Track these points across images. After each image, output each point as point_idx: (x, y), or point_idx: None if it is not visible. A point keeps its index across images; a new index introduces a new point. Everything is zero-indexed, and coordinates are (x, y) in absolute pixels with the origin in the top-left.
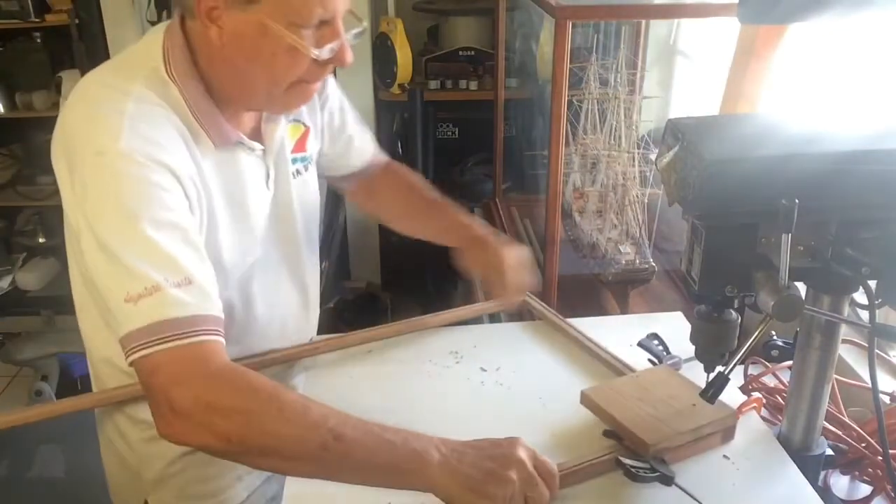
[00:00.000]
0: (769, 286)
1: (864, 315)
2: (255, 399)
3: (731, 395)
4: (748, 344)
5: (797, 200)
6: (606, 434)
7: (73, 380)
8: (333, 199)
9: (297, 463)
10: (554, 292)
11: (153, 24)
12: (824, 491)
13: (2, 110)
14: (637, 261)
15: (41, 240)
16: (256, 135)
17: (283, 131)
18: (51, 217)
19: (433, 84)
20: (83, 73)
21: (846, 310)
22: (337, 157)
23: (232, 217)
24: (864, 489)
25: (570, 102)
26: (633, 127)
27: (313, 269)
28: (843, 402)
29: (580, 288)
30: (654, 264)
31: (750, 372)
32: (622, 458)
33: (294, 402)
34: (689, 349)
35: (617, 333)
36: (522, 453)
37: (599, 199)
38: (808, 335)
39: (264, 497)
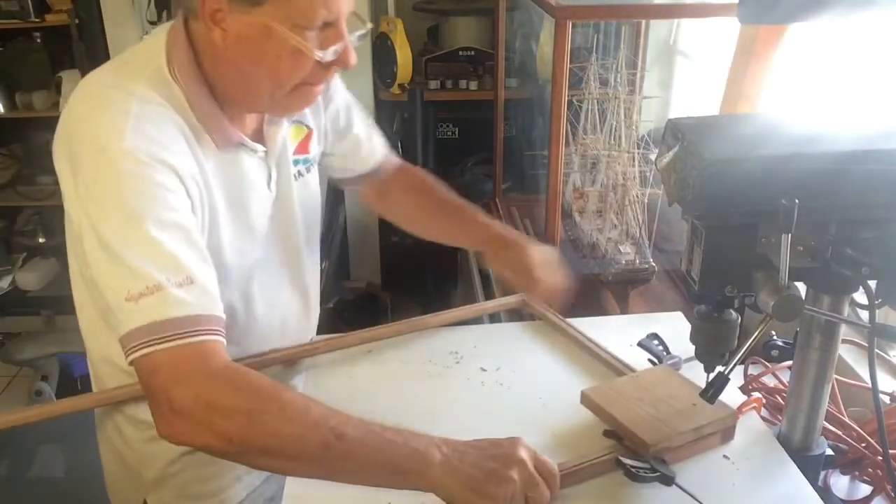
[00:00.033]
0: (769, 286)
1: (864, 315)
2: (256, 398)
3: (731, 395)
4: (748, 344)
5: (797, 200)
6: (606, 434)
7: (73, 380)
8: (333, 199)
9: (298, 463)
10: None
11: (153, 24)
12: (824, 491)
13: (2, 110)
14: (637, 261)
15: (41, 240)
16: (259, 136)
17: (285, 133)
18: (51, 217)
19: (433, 84)
20: (83, 73)
21: (846, 310)
22: (344, 157)
23: (233, 218)
24: (864, 489)
25: (570, 102)
26: (633, 127)
27: (314, 271)
28: (843, 402)
29: (580, 288)
30: (654, 264)
31: (750, 372)
32: (622, 458)
33: (295, 401)
34: (689, 349)
35: (617, 333)
36: (523, 453)
37: (599, 199)
38: (808, 335)
39: (263, 497)
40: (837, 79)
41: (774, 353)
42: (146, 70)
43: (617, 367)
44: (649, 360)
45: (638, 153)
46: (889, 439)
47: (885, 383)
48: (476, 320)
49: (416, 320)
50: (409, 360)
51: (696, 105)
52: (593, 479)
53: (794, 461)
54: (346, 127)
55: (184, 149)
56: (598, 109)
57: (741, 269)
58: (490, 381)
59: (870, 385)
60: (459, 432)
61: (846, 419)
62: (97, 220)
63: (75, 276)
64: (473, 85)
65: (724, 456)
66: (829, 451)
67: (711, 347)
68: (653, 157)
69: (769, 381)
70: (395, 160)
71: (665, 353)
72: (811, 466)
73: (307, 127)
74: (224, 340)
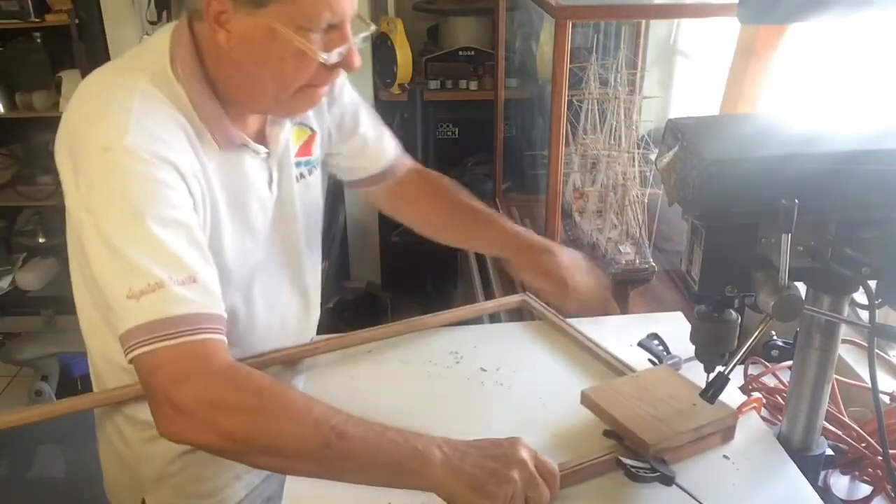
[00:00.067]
0: (769, 286)
1: (864, 315)
2: (258, 397)
3: (731, 395)
4: (748, 344)
5: (797, 200)
6: (606, 434)
7: (73, 380)
8: (333, 199)
9: (299, 461)
10: None
11: (153, 24)
12: (824, 491)
13: (2, 110)
14: (637, 261)
15: (41, 240)
16: (261, 137)
17: (287, 135)
18: (51, 217)
19: (433, 84)
20: (83, 73)
21: (846, 310)
22: (351, 157)
23: (234, 218)
24: (864, 489)
25: (570, 102)
26: (633, 127)
27: (314, 273)
28: (843, 402)
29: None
30: (654, 264)
31: (750, 372)
32: (622, 458)
33: (297, 400)
34: (689, 349)
35: (617, 333)
36: (524, 453)
37: (599, 199)
38: (808, 335)
39: (262, 497)
40: (837, 79)
41: (774, 353)
42: (149, 69)
43: (617, 367)
44: (649, 360)
45: (638, 153)
46: (889, 439)
47: (885, 383)
48: (476, 320)
49: (416, 320)
50: (409, 360)
51: (696, 105)
52: (593, 479)
53: (794, 461)
54: (352, 127)
55: (186, 147)
56: (598, 109)
57: (741, 269)
58: (490, 381)
59: (870, 385)
60: (459, 432)
61: (846, 419)
62: (99, 217)
63: (76, 274)
64: (473, 85)
65: (724, 456)
66: (829, 451)
67: (711, 347)
68: (653, 157)
69: (769, 381)
70: (409, 162)
71: (665, 353)
72: (811, 466)
73: (310, 129)
74: (225, 339)
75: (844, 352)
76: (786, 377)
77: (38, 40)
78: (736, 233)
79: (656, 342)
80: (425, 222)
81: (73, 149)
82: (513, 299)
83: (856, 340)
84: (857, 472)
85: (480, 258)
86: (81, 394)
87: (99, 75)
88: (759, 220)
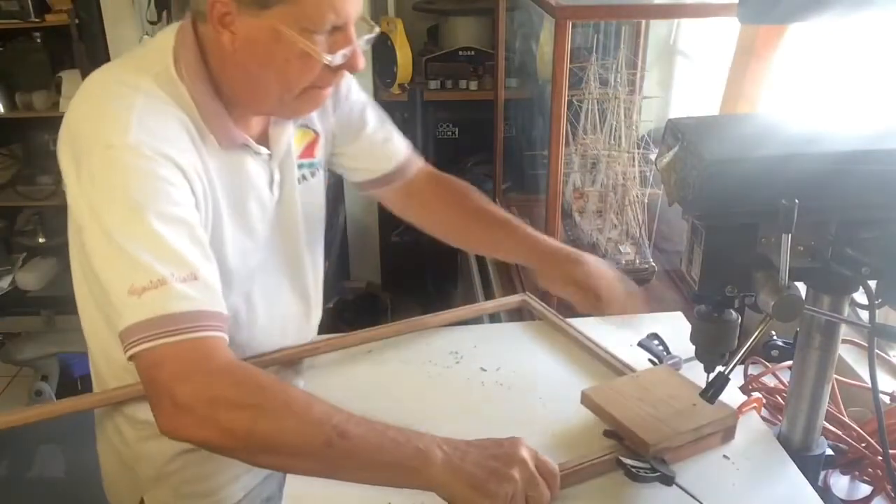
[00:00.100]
0: (769, 286)
1: (864, 315)
2: (260, 394)
3: (731, 395)
4: (748, 344)
5: (797, 200)
6: (607, 434)
7: (73, 380)
8: (333, 198)
9: (300, 460)
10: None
11: (153, 24)
12: (824, 491)
13: (2, 110)
14: (637, 261)
15: (41, 240)
16: (263, 139)
17: (290, 136)
18: (51, 217)
19: (433, 84)
20: (83, 73)
21: (846, 310)
22: (357, 158)
23: (234, 218)
24: (864, 489)
25: (570, 102)
26: (633, 127)
27: (316, 275)
28: (843, 402)
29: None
30: (654, 264)
31: (750, 372)
32: (623, 458)
33: (298, 398)
34: (689, 349)
35: (617, 333)
36: (524, 453)
37: (599, 199)
38: (808, 335)
39: (260, 497)
40: (837, 79)
41: (774, 353)
42: (153, 68)
43: (617, 367)
44: (649, 360)
45: (638, 153)
46: (889, 439)
47: (885, 383)
48: (476, 320)
49: (416, 320)
50: (409, 360)
51: (696, 105)
52: (593, 479)
53: (794, 461)
54: (358, 128)
55: (188, 146)
56: (598, 109)
57: (741, 269)
58: (490, 381)
59: (870, 385)
60: (459, 432)
61: (846, 419)
62: (101, 214)
63: (77, 273)
64: (473, 85)
65: (724, 456)
66: (829, 451)
67: (711, 347)
68: (653, 157)
69: (769, 381)
70: (421, 164)
71: (665, 353)
72: (811, 466)
73: (314, 131)
74: (227, 337)
75: (844, 352)
76: (786, 377)
77: (38, 40)
78: (736, 233)
79: (656, 342)
80: (441, 227)
81: (75, 146)
82: (513, 299)
83: (856, 340)
84: (857, 472)
85: (480, 258)
86: (81, 394)
87: (102, 74)
88: (759, 220)
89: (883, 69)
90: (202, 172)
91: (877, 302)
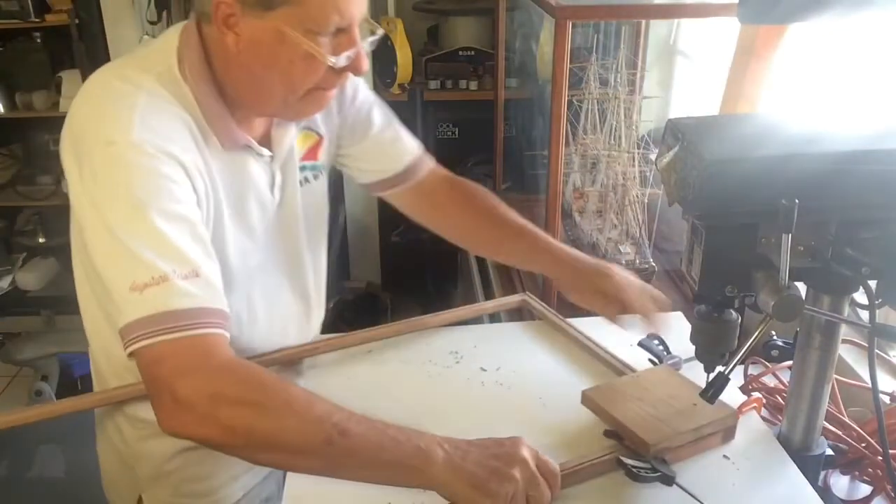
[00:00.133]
0: (769, 286)
1: (864, 315)
2: (261, 391)
3: (731, 395)
4: (748, 344)
5: (797, 200)
6: (607, 434)
7: (73, 380)
8: (333, 198)
9: (301, 458)
10: (554, 292)
11: (153, 24)
12: (824, 491)
13: (2, 110)
14: (637, 261)
15: (41, 240)
16: (266, 140)
17: (292, 139)
18: (51, 217)
19: (433, 84)
20: (83, 73)
21: (846, 310)
22: (364, 158)
23: (234, 219)
24: (864, 489)
25: (570, 102)
26: (633, 127)
27: (317, 277)
28: (843, 402)
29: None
30: (654, 264)
31: (750, 372)
32: (623, 458)
33: (299, 396)
34: (689, 349)
35: (617, 333)
36: (525, 452)
37: (599, 199)
38: (808, 335)
39: (259, 497)
40: (837, 79)
41: (774, 353)
42: (156, 68)
43: (617, 367)
44: (649, 360)
45: (638, 153)
46: (889, 439)
47: (885, 383)
48: (476, 320)
49: (416, 320)
50: (409, 360)
51: (696, 105)
52: (594, 479)
53: (794, 461)
54: (364, 128)
55: (190, 145)
56: (598, 109)
57: (741, 269)
58: (490, 381)
59: (870, 385)
60: (459, 432)
61: (846, 419)
62: (103, 210)
63: (79, 271)
64: (473, 85)
65: (725, 456)
66: (829, 451)
67: (711, 347)
68: (653, 157)
69: (769, 381)
70: (435, 167)
71: (665, 353)
72: (811, 466)
73: (317, 134)
74: (228, 334)
75: (844, 352)
76: (786, 377)
77: (38, 40)
78: (736, 233)
79: (656, 342)
80: (457, 231)
81: (77, 144)
82: (513, 299)
83: (856, 340)
84: (857, 472)
85: (480, 258)
86: (81, 394)
87: (105, 73)
88: (759, 220)
89: (883, 69)
90: (204, 171)
91: (877, 302)
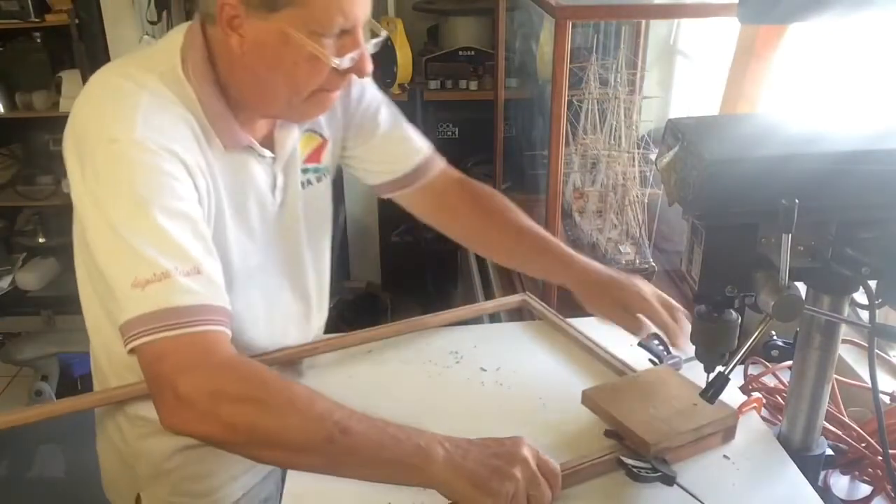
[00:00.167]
0: (769, 286)
1: (864, 315)
2: (263, 388)
3: (731, 395)
4: (748, 344)
5: (797, 200)
6: (607, 434)
7: (73, 380)
8: (333, 199)
9: (302, 455)
10: (554, 292)
11: (153, 24)
12: (824, 491)
13: (2, 110)
14: (637, 261)
15: (41, 240)
16: (269, 142)
17: (295, 141)
18: (51, 217)
19: (433, 84)
20: (83, 73)
21: (846, 310)
22: (372, 158)
23: (235, 219)
24: (864, 489)
25: (570, 102)
26: (633, 127)
27: (319, 279)
28: (843, 402)
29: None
30: (654, 264)
31: (750, 372)
32: (624, 458)
33: (301, 394)
34: (690, 349)
35: (617, 333)
36: (526, 452)
37: (599, 199)
38: (808, 335)
39: (258, 497)
40: (837, 79)
41: (774, 353)
42: (159, 67)
43: (617, 367)
44: (649, 360)
45: (638, 153)
46: (889, 439)
47: (885, 383)
48: (476, 320)
49: (416, 320)
50: (409, 360)
51: (696, 105)
52: (594, 479)
53: (794, 461)
54: (371, 129)
55: (192, 144)
56: (598, 109)
57: (741, 269)
58: (490, 381)
59: (870, 385)
60: (459, 432)
61: (846, 419)
62: (105, 207)
63: (80, 269)
64: (473, 85)
65: (725, 456)
66: (829, 451)
67: (711, 347)
68: (653, 157)
69: (769, 381)
70: (447, 168)
71: (665, 353)
72: (811, 466)
73: (321, 136)
74: (229, 332)
75: (844, 352)
76: (786, 377)
77: (38, 40)
78: (736, 233)
79: (656, 342)
80: (468, 235)
81: (80, 142)
82: (513, 299)
83: (856, 340)
84: (857, 472)
85: (480, 258)
86: (81, 394)
87: (108, 72)
88: (759, 220)
89: (883, 69)
90: (206, 170)
91: (877, 302)
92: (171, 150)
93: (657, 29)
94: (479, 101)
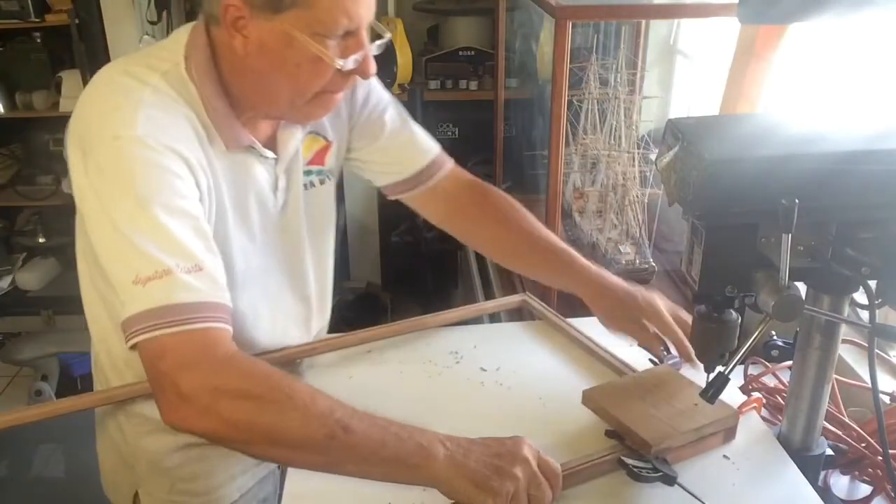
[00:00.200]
0: (769, 286)
1: (864, 315)
2: (264, 385)
3: (732, 395)
4: (748, 344)
5: (797, 200)
6: (608, 434)
7: (73, 380)
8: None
9: (303, 452)
10: (554, 292)
11: (153, 24)
12: (824, 491)
13: (2, 110)
14: (637, 261)
15: (41, 240)
16: (272, 143)
17: (298, 142)
18: (51, 217)
19: (433, 84)
20: (83, 73)
21: (846, 310)
22: (378, 160)
23: (236, 220)
24: (864, 489)
25: (570, 102)
26: (633, 127)
27: (321, 282)
28: (843, 402)
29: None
30: (654, 264)
31: (750, 372)
32: (625, 458)
33: (302, 391)
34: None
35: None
36: (527, 451)
37: (599, 199)
38: (808, 335)
39: (256, 498)
40: (837, 79)
41: (774, 353)
42: (163, 66)
43: (617, 367)
44: (650, 360)
45: (638, 153)
46: (889, 439)
47: (885, 383)
48: (476, 320)
49: (416, 320)
50: (409, 360)
51: (696, 105)
52: (595, 479)
53: (794, 461)
54: (378, 129)
55: (194, 143)
56: (598, 109)
57: (741, 269)
58: (490, 381)
59: (870, 385)
60: (459, 432)
61: (846, 419)
62: (107, 204)
63: (83, 266)
64: (473, 85)
65: (724, 456)
66: (829, 451)
67: (711, 347)
68: (653, 157)
69: (769, 381)
70: (457, 170)
71: (665, 353)
72: (811, 466)
73: (325, 139)
74: (231, 329)
75: (844, 352)
76: (786, 377)
77: (38, 40)
78: (736, 233)
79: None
80: (479, 240)
81: (83, 136)
82: (513, 299)
83: (856, 340)
84: (857, 472)
85: (480, 258)
86: (81, 393)
87: (112, 69)
88: (759, 220)
89: (883, 69)
90: (207, 168)
91: (877, 302)
92: (172, 147)
93: (657, 29)
94: (479, 101)
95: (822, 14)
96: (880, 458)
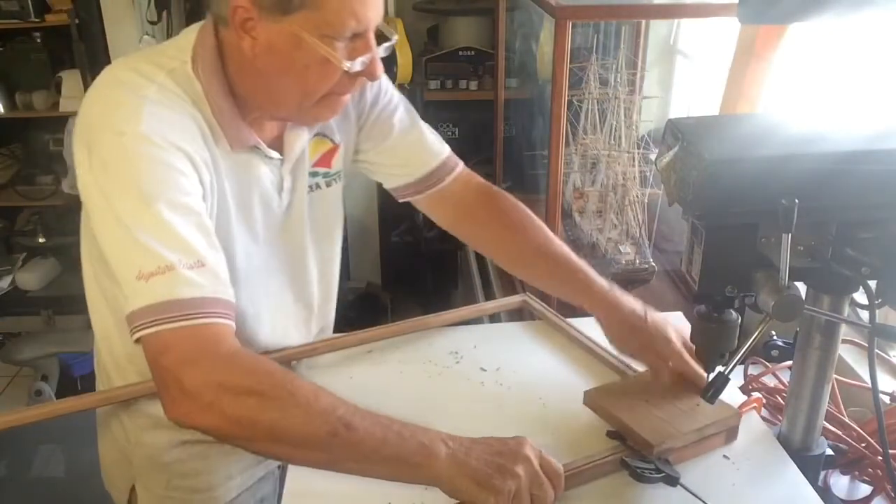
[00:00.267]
0: (769, 286)
1: (864, 315)
2: (267, 381)
3: (732, 395)
4: (748, 344)
5: (797, 200)
6: (610, 434)
7: (73, 380)
8: None
9: (305, 450)
10: None
11: (153, 24)
12: (824, 491)
13: (2, 110)
14: (637, 261)
15: (41, 240)
16: (278, 143)
17: (304, 143)
18: (51, 217)
19: (433, 84)
20: (83, 73)
21: (846, 310)
22: (386, 161)
23: (239, 219)
24: (864, 489)
25: (570, 102)
26: (633, 127)
27: (324, 284)
28: (843, 402)
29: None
30: (654, 264)
31: (750, 372)
32: (628, 459)
33: (305, 388)
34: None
35: None
36: (529, 451)
37: (599, 199)
38: (808, 335)
39: (254, 497)
40: (837, 79)
41: (774, 353)
42: (170, 64)
43: (618, 367)
44: None
45: (638, 153)
46: (889, 439)
47: (885, 383)
48: (476, 320)
49: (416, 320)
50: (409, 360)
51: (696, 105)
52: (597, 480)
53: (794, 461)
54: (386, 131)
55: (198, 140)
56: (598, 109)
57: (741, 269)
58: (490, 381)
59: (870, 385)
60: (460, 432)
61: (846, 419)
62: (111, 200)
63: (87, 263)
64: (473, 85)
65: (725, 456)
66: (829, 451)
67: (711, 347)
68: (653, 157)
69: (769, 381)
70: (467, 174)
71: None
72: (811, 466)
73: (332, 141)
74: (234, 325)
75: (844, 352)
76: (786, 377)
77: (38, 40)
78: (736, 233)
79: None
80: (489, 248)
81: (88, 132)
82: (513, 299)
83: (856, 340)
84: (857, 472)
85: (480, 258)
86: (81, 394)
87: (118, 66)
88: (759, 220)
89: (883, 69)
90: (211, 166)
91: (877, 302)
92: (176, 144)
93: (657, 29)
94: (479, 101)
95: (822, 14)
96: (880, 458)
